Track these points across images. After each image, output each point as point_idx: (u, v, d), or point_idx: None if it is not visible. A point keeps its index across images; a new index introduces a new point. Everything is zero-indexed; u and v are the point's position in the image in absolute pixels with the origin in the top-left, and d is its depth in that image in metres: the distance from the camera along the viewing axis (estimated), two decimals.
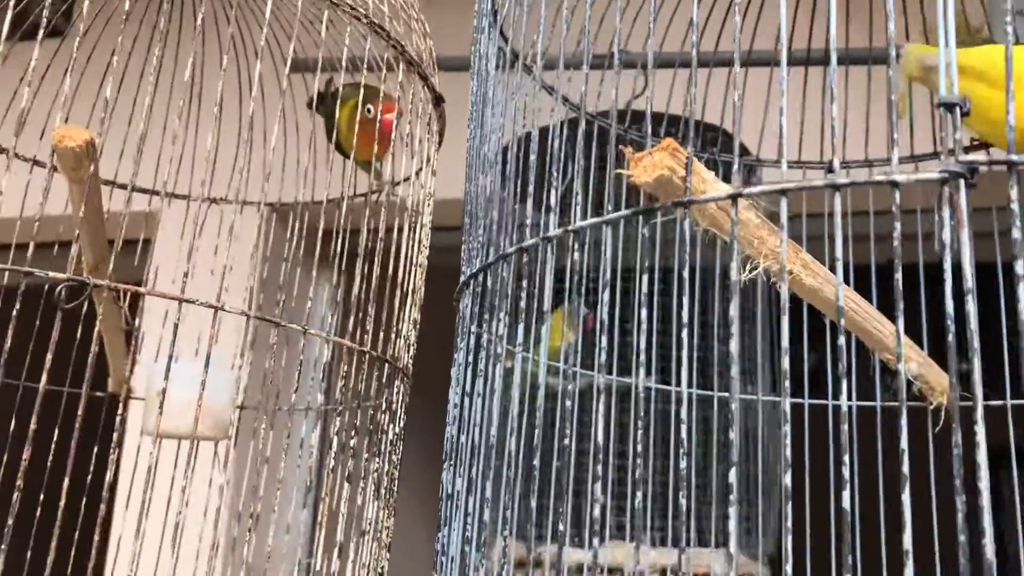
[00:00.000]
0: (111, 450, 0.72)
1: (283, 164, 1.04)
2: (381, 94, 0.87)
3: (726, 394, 1.00)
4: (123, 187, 1.13)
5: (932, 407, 0.91)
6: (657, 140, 0.48)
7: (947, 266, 0.39)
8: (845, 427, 0.38)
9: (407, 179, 0.91)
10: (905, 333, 0.80)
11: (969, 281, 0.38)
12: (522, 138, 0.63)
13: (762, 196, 0.43)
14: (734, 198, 0.43)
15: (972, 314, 0.37)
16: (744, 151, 1.22)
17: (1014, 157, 0.39)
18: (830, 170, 1.19)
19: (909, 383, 0.90)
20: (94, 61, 1.04)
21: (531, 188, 0.59)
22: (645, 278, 0.45)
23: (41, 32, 0.77)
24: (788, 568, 0.40)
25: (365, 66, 0.84)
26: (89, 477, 0.98)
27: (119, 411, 0.79)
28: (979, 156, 0.39)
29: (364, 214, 0.90)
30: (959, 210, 0.39)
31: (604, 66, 1.04)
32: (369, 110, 0.89)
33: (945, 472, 0.75)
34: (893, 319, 0.66)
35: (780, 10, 0.46)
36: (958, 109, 0.40)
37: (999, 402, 0.88)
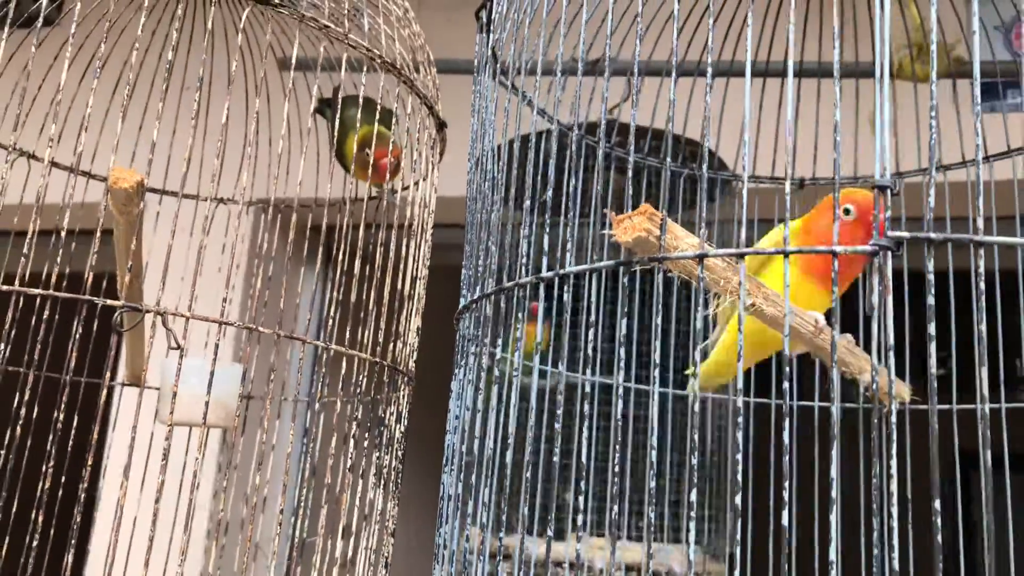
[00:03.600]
0: (132, 437, 0.79)
1: (285, 168, 1.10)
2: (374, 138, 0.91)
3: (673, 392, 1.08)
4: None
5: (884, 410, 1.00)
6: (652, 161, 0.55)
7: (876, 326, 0.47)
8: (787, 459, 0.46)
9: (406, 188, 0.97)
10: (863, 346, 0.88)
11: (891, 339, 0.46)
12: (516, 148, 0.71)
13: (725, 256, 0.51)
14: (700, 258, 0.51)
15: (892, 367, 0.45)
16: (722, 165, 1.29)
17: (932, 235, 0.47)
18: (800, 186, 1.25)
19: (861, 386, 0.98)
20: (85, 52, 1.09)
21: (523, 224, 0.67)
22: (623, 322, 0.53)
23: (69, 55, 0.84)
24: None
25: (359, 81, 0.89)
26: (105, 461, 1.05)
27: (138, 401, 0.86)
28: (903, 233, 0.47)
29: (367, 221, 0.97)
30: (885, 278, 0.47)
31: (595, 73, 1.11)
32: (368, 153, 0.94)
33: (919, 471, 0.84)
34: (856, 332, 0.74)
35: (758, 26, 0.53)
36: (889, 191, 0.48)
37: (971, 405, 0.94)
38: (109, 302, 0.68)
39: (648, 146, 1.20)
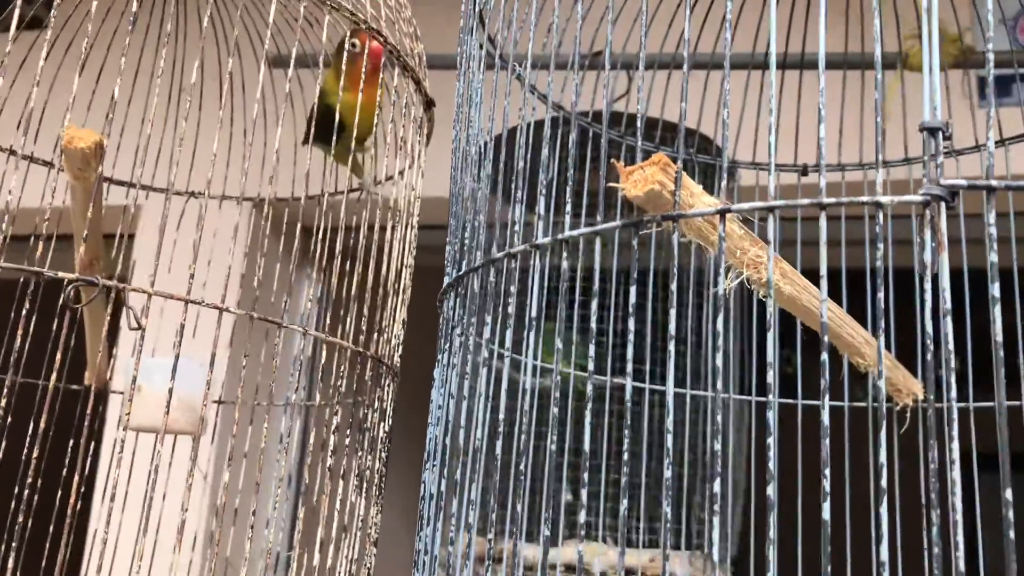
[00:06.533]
0: (90, 443, 0.72)
1: (262, 158, 1.03)
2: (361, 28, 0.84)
3: (701, 393, 1.02)
4: (107, 180, 1.12)
5: (898, 408, 0.93)
6: (648, 146, 0.48)
7: (927, 287, 0.40)
8: (826, 442, 0.40)
9: (390, 178, 0.91)
10: (875, 335, 0.81)
11: (948, 302, 0.39)
12: (505, 137, 0.64)
13: (749, 212, 0.45)
14: (722, 214, 0.44)
15: (949, 335, 0.39)
16: (721, 151, 1.23)
17: (993, 182, 0.40)
18: (804, 172, 1.20)
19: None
20: (71, 54, 1.03)
21: (514, 186, 0.60)
22: (633, 289, 0.46)
23: (49, 37, 0.77)
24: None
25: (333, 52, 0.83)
26: (64, 471, 0.97)
27: (100, 405, 0.79)
28: (959, 180, 0.41)
29: (347, 210, 0.90)
30: (939, 232, 0.40)
31: (586, 66, 1.05)
32: (354, 44, 0.86)
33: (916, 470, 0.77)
34: (866, 326, 0.68)
35: (768, 15, 0.47)
36: (940, 133, 0.42)
37: (989, 403, 0.88)
38: (60, 274, 0.61)
39: (641, 133, 1.13)
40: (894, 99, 1.26)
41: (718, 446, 0.41)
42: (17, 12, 0.68)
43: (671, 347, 0.44)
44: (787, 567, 0.96)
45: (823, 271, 0.42)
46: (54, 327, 0.95)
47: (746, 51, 1.21)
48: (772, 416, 0.42)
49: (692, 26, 1.14)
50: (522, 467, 0.55)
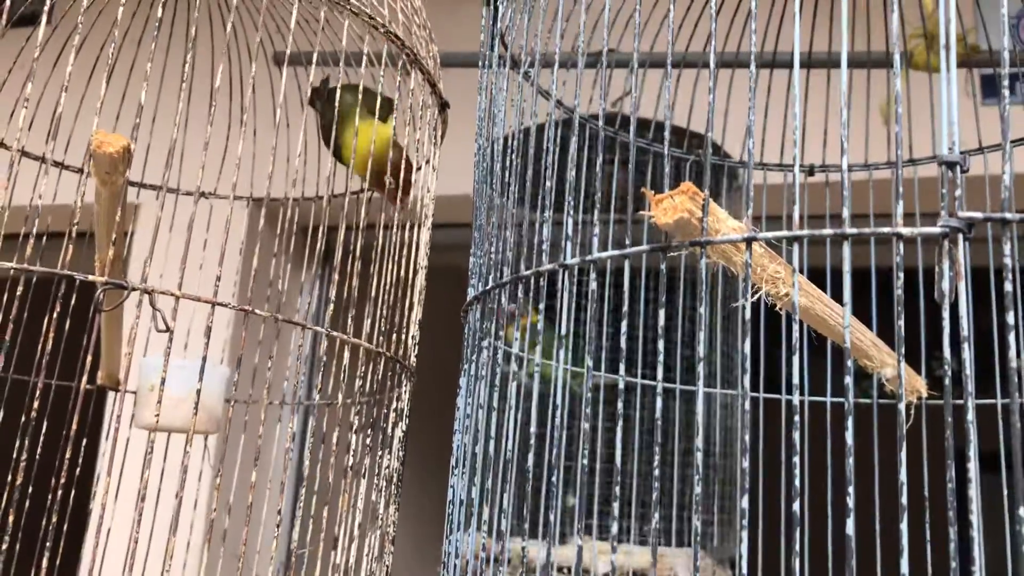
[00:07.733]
0: (106, 442, 0.74)
1: (273, 157, 1.04)
2: (403, 159, 0.86)
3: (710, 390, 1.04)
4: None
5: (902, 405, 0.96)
6: (655, 144, 0.51)
7: (945, 315, 0.42)
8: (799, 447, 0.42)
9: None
10: (878, 334, 0.84)
11: (966, 330, 0.41)
12: (522, 142, 0.66)
13: (774, 238, 0.47)
14: (748, 242, 0.46)
15: (969, 361, 0.41)
16: (725, 153, 1.25)
17: (1008, 215, 0.42)
18: (811, 172, 1.21)
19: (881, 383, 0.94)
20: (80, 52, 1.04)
21: (542, 204, 0.62)
22: (662, 312, 0.48)
23: (70, 41, 0.78)
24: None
25: (357, 70, 0.85)
26: (78, 469, 0.99)
27: (115, 404, 0.81)
28: (975, 213, 0.43)
29: (360, 210, 0.92)
30: (958, 263, 0.42)
31: (603, 68, 1.07)
32: (390, 181, 0.88)
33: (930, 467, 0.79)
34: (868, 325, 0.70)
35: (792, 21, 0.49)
36: (958, 167, 0.44)
37: (990, 400, 0.90)
38: (91, 278, 0.63)
39: (653, 137, 1.15)
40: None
41: (746, 463, 0.43)
42: (47, 8, 0.69)
43: (699, 369, 0.46)
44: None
45: (847, 298, 0.44)
46: (66, 325, 0.96)
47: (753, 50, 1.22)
48: (796, 452, 0.44)
49: (694, 22, 1.15)
50: (539, 469, 0.58)
